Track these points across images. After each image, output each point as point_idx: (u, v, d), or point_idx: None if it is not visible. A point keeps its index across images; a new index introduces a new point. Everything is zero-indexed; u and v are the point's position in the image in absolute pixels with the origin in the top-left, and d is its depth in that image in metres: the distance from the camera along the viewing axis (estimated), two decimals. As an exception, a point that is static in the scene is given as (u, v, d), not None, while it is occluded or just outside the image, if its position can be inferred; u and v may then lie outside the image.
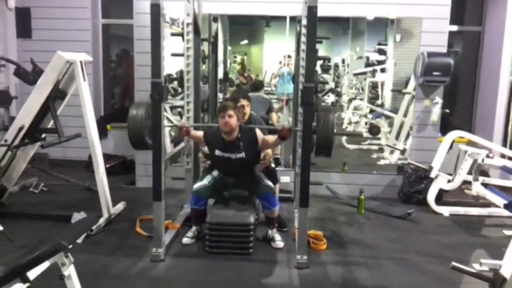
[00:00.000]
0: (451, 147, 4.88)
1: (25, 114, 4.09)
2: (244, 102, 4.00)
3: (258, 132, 3.70)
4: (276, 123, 5.88)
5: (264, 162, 3.88)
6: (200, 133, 3.82)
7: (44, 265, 2.13)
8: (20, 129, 4.07)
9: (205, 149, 3.93)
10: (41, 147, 4.37)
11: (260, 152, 3.80)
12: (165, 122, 4.81)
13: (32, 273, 2.06)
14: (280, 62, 7.31)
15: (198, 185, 3.76)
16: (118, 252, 3.60)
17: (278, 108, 6.18)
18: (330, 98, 7.78)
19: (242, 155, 3.63)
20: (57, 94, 4.26)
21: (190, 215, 4.01)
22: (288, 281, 3.21)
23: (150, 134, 3.57)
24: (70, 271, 2.17)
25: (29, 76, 4.46)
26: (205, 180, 3.76)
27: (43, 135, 4.45)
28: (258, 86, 6.02)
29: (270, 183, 3.76)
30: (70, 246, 2.11)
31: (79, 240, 3.55)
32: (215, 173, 3.79)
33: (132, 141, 3.74)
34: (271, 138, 3.67)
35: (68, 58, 3.93)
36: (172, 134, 5.87)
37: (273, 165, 4.11)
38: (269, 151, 3.93)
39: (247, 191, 3.82)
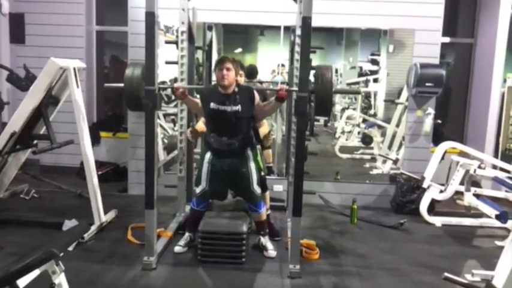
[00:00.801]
0: (443, 158, 4.91)
1: (17, 120, 4.06)
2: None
3: (256, 93, 3.57)
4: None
5: (268, 139, 3.85)
6: (197, 99, 3.68)
7: (34, 273, 2.10)
8: (12, 135, 4.04)
9: (199, 124, 3.84)
10: (33, 154, 4.34)
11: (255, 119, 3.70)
12: (159, 130, 4.80)
13: (22, 282, 2.04)
14: (274, 71, 7.32)
15: (200, 189, 3.69)
16: (109, 261, 3.57)
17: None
18: (323, 107, 7.78)
19: (238, 107, 3.46)
20: (50, 100, 4.24)
21: (187, 218, 3.97)
22: (281, 290, 3.20)
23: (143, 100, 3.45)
24: (61, 279, 2.15)
25: (22, 82, 4.44)
26: (203, 183, 3.67)
27: (35, 142, 4.42)
28: (252, 72, 5.65)
29: (257, 187, 3.67)
30: (61, 254, 2.09)
31: (70, 248, 3.51)
32: (206, 165, 3.65)
33: (128, 102, 3.68)
34: (268, 102, 3.60)
35: (62, 64, 3.92)
36: (166, 141, 5.86)
37: (262, 173, 4.08)
38: (266, 126, 3.89)
39: (235, 187, 3.76)
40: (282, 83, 5.17)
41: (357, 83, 7.71)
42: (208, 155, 3.67)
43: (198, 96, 3.79)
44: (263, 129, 4.00)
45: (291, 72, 4.64)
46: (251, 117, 3.63)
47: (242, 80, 3.86)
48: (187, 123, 4.45)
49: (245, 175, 3.63)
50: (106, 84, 4.19)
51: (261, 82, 5.99)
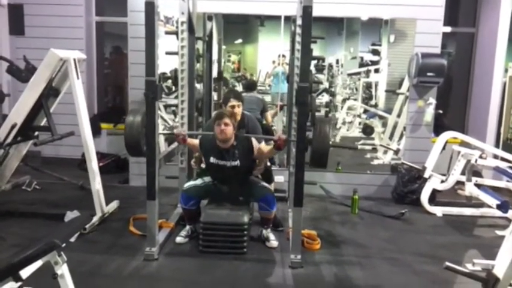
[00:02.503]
0: (444, 148, 4.90)
1: (18, 112, 4.05)
2: (234, 102, 3.87)
3: (254, 141, 3.68)
4: (270, 122, 5.88)
5: (260, 168, 3.88)
6: (196, 141, 3.79)
7: (37, 264, 2.11)
8: (13, 127, 4.03)
9: (198, 154, 3.93)
10: (34, 145, 4.33)
11: (255, 160, 3.80)
12: (160, 126, 4.80)
13: (25, 272, 2.05)
14: (274, 62, 7.30)
15: (188, 184, 3.75)
16: (111, 251, 3.58)
17: (273, 113, 6.14)
18: (324, 98, 7.77)
19: (237, 163, 3.61)
20: (51, 92, 4.23)
21: (183, 214, 3.99)
22: (282, 280, 3.21)
23: (146, 142, 3.54)
24: (63, 270, 2.16)
25: (22, 74, 4.42)
26: (198, 181, 3.76)
27: (36, 133, 4.42)
28: (251, 85, 5.98)
29: (266, 184, 3.76)
30: (63, 245, 2.10)
31: (72, 239, 3.53)
32: (208, 179, 3.79)
33: (129, 149, 3.74)
34: (267, 148, 3.68)
35: (62, 56, 3.90)
36: (167, 131, 5.85)
37: (268, 163, 4.10)
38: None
39: (241, 197, 3.82)
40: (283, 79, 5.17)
41: (358, 73, 7.69)
42: (208, 179, 3.82)
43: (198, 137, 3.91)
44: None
45: (292, 63, 4.62)
46: (251, 165, 3.78)
47: (240, 110, 3.94)
48: (188, 158, 4.46)
49: (247, 184, 3.76)
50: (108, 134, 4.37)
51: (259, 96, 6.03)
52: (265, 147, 3.70)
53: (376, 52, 7.41)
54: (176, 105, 4.56)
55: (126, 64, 5.51)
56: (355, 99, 7.66)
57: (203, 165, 3.94)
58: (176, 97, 4.60)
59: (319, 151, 3.52)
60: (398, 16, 5.57)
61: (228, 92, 4.62)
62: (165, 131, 4.38)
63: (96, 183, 4.13)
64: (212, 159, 3.64)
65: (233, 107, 3.87)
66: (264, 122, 5.65)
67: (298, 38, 3.86)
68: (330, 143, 3.62)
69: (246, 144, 3.65)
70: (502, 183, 4.75)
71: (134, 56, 5.15)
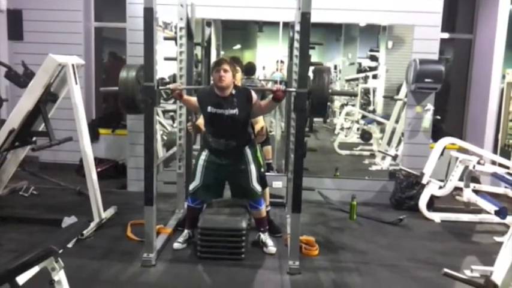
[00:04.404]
0: (442, 154, 4.90)
1: (16, 117, 4.05)
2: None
3: (253, 93, 3.56)
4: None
5: (261, 134, 3.83)
6: (194, 98, 3.68)
7: (34, 270, 2.10)
8: (11, 132, 4.03)
9: (199, 120, 3.84)
10: (32, 151, 4.33)
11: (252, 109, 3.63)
12: (159, 132, 4.77)
13: (21, 278, 2.03)
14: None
15: (192, 186, 3.69)
16: (109, 257, 3.57)
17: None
18: (323, 104, 7.79)
19: (235, 111, 3.46)
20: (49, 97, 4.23)
21: (185, 215, 3.97)
22: (280, 286, 3.20)
23: (141, 96, 3.45)
24: (60, 276, 2.14)
25: (20, 79, 4.42)
26: (197, 179, 3.66)
27: (34, 139, 4.41)
28: (250, 69, 5.69)
29: (257, 184, 3.67)
30: (60, 251, 2.08)
31: (69, 245, 3.53)
32: (202, 161, 3.65)
33: (124, 105, 3.65)
34: (266, 101, 3.60)
35: (60, 61, 3.91)
36: (165, 138, 5.86)
37: (262, 169, 4.08)
38: (261, 122, 3.88)
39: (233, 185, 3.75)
40: (280, 82, 5.16)
41: (356, 79, 7.72)
42: (205, 153, 3.67)
43: (195, 95, 3.77)
44: (257, 126, 3.98)
45: (290, 69, 4.63)
46: (249, 117, 3.63)
47: (239, 76, 3.83)
48: (186, 119, 4.43)
49: (244, 172, 3.62)
50: (102, 89, 4.21)
51: (260, 79, 5.97)
52: (264, 101, 3.60)
53: (374, 58, 7.45)
54: (174, 111, 4.57)
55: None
56: (353, 105, 7.68)
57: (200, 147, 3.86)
58: (174, 102, 4.60)
59: (319, 100, 3.42)
60: (397, 22, 5.59)
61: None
62: (162, 87, 4.19)
63: (94, 189, 4.12)
64: (210, 109, 3.49)
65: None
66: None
67: (296, 44, 3.87)
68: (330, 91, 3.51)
69: (244, 94, 3.52)
70: (500, 189, 4.75)
71: (133, 62, 5.12)
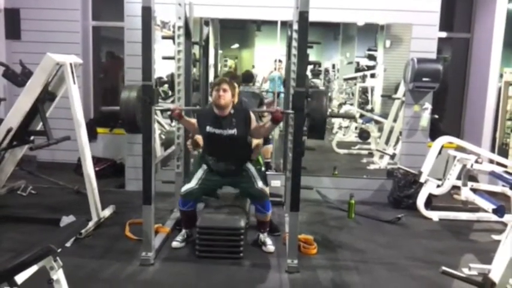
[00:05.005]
0: (440, 153, 4.91)
1: (14, 116, 4.05)
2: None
3: (252, 115, 3.59)
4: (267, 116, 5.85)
5: (257, 151, 3.83)
6: (193, 120, 3.71)
7: (32, 269, 2.10)
8: (8, 131, 4.02)
9: (197, 137, 3.85)
10: (30, 150, 4.33)
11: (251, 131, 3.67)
12: (157, 131, 4.76)
13: (20, 278, 2.03)
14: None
15: (185, 188, 3.73)
16: (107, 256, 3.56)
17: (269, 102, 6.09)
18: (320, 103, 7.80)
19: (234, 131, 3.49)
20: (47, 96, 4.22)
21: (180, 217, 3.98)
22: (279, 285, 3.20)
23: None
24: (59, 275, 2.15)
25: (18, 78, 4.41)
26: (193, 182, 3.69)
27: (32, 138, 4.41)
28: (248, 77, 5.81)
29: (262, 185, 3.70)
30: (59, 250, 2.08)
31: (68, 244, 3.51)
32: (201, 171, 3.70)
33: (125, 125, 3.68)
34: (264, 123, 3.61)
35: (58, 60, 3.90)
36: (163, 137, 5.85)
37: (263, 168, 4.09)
38: (259, 140, 3.88)
39: (237, 189, 3.78)
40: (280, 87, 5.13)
41: (354, 78, 7.73)
42: (205, 167, 3.73)
43: (195, 116, 3.83)
44: (254, 142, 3.94)
45: (288, 68, 4.63)
46: (247, 137, 3.68)
47: (237, 91, 3.86)
48: (185, 138, 4.41)
49: (246, 176, 3.68)
50: (103, 108, 4.25)
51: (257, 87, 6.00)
52: (262, 123, 3.62)
53: (372, 57, 7.46)
54: (173, 110, 4.56)
55: (122, 69, 5.51)
56: (351, 104, 7.70)
57: (200, 157, 3.88)
58: (173, 102, 4.60)
59: (317, 122, 3.46)
60: (394, 21, 5.60)
61: (224, 74, 4.48)
62: (162, 107, 4.20)
63: (92, 188, 4.11)
64: (208, 128, 3.52)
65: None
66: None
67: (294, 43, 3.88)
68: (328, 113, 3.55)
69: (243, 115, 3.55)
70: (498, 188, 4.76)
71: (131, 61, 5.14)
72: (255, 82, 7.01)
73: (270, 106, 6.01)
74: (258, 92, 5.80)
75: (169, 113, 3.74)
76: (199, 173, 3.71)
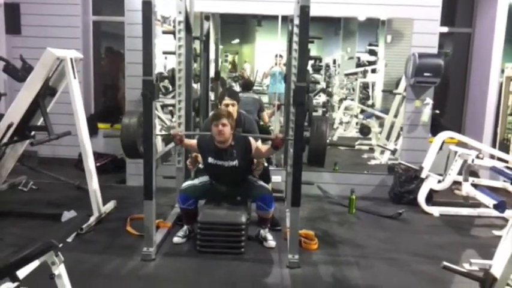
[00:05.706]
0: (441, 148, 4.91)
1: (14, 112, 4.04)
2: (228, 101, 3.84)
3: (252, 140, 3.66)
4: (267, 122, 5.87)
5: (258, 169, 3.85)
6: (193, 141, 3.76)
7: (34, 264, 2.11)
8: (9, 126, 4.02)
9: (195, 154, 3.91)
10: (31, 145, 4.32)
11: (253, 160, 3.78)
12: (158, 126, 4.76)
13: (22, 272, 2.04)
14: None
15: (187, 183, 3.74)
16: (108, 251, 3.57)
17: (270, 113, 6.15)
18: (321, 98, 7.78)
19: (235, 163, 3.58)
20: (47, 91, 4.21)
21: (180, 214, 3.99)
22: (280, 280, 3.20)
23: (142, 142, 3.52)
24: (60, 270, 2.15)
25: (19, 73, 4.40)
26: (196, 181, 3.74)
27: (32, 133, 4.40)
28: (248, 85, 5.96)
29: (264, 184, 3.74)
30: (60, 245, 2.09)
31: (69, 239, 3.52)
32: (206, 178, 3.77)
33: (125, 150, 3.74)
34: (264, 147, 3.67)
35: (58, 55, 3.89)
36: (164, 132, 5.85)
37: (265, 164, 4.09)
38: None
39: (239, 197, 3.82)
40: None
41: (355, 73, 7.71)
42: (206, 178, 3.79)
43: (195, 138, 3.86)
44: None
45: (289, 63, 4.62)
46: (250, 165, 3.76)
47: (234, 109, 3.88)
48: (185, 157, 4.39)
49: (246, 183, 3.74)
50: (104, 135, 4.29)
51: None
52: (262, 146, 3.69)
53: (373, 52, 7.44)
54: (173, 105, 4.56)
55: (123, 64, 5.50)
56: (352, 100, 7.68)
57: (200, 166, 3.92)
58: (173, 97, 4.60)
59: (317, 150, 3.51)
60: (395, 16, 5.59)
61: (224, 90, 4.59)
62: (162, 132, 4.33)
63: (93, 183, 4.12)
64: (210, 160, 3.61)
65: (227, 105, 3.83)
66: (262, 122, 5.65)
67: (295, 38, 3.86)
68: (328, 141, 3.60)
69: (243, 144, 3.62)
70: (499, 183, 4.75)
71: (131, 56, 5.13)
72: (255, 82, 7.08)
73: (271, 116, 6.06)
74: (257, 98, 5.88)
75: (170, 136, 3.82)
76: (205, 178, 3.77)
